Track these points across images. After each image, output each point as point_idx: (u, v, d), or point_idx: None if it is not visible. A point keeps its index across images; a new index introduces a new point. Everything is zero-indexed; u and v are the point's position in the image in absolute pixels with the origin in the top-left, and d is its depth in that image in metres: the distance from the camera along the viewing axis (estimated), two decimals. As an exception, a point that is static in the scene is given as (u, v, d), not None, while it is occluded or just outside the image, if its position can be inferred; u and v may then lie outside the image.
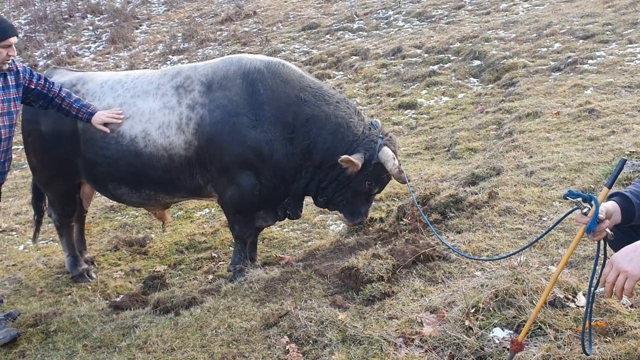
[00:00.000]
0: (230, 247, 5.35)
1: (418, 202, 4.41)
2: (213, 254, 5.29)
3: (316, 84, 4.35)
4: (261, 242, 5.27)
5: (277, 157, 4.20)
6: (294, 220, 5.35)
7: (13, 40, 3.70)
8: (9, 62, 3.79)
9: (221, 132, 4.14)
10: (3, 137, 3.88)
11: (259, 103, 4.14)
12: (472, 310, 2.94)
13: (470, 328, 2.84)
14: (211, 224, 6.00)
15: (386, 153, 4.09)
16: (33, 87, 4.02)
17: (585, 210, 2.16)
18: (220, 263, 5.10)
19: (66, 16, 22.02)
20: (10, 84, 3.88)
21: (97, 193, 5.10)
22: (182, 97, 4.21)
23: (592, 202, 2.16)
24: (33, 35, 20.41)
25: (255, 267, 4.43)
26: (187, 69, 4.38)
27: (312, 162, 4.27)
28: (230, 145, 4.14)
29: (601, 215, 2.15)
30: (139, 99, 4.24)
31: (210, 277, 4.83)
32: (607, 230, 2.18)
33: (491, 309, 2.94)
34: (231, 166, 4.21)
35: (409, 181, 4.13)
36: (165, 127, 4.15)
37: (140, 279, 4.93)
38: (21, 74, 3.97)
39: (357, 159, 4.01)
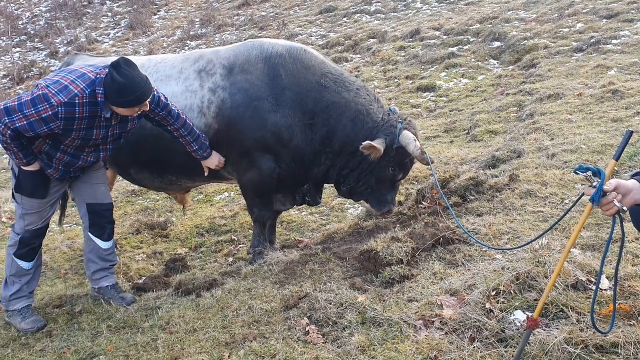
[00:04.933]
0: (250, 231, 5.38)
1: (436, 186, 4.39)
2: (233, 237, 5.33)
3: (337, 71, 4.33)
4: (280, 226, 5.29)
5: (296, 142, 4.20)
6: (313, 205, 5.37)
7: (148, 101, 3.60)
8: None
9: (242, 115, 4.14)
10: (102, 158, 3.91)
11: (280, 88, 4.14)
12: (493, 293, 2.93)
13: (491, 311, 2.83)
14: (231, 207, 6.04)
15: (407, 136, 4.07)
16: (153, 116, 3.86)
17: (595, 184, 2.18)
18: (240, 246, 5.15)
19: (85, 3, 22.14)
20: (129, 117, 3.73)
21: (119, 178, 5.15)
22: (205, 80, 4.23)
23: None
24: (54, 22, 20.59)
25: (274, 250, 4.47)
26: (209, 53, 4.38)
27: (332, 149, 4.26)
28: (251, 128, 4.15)
29: (606, 187, 2.16)
30: (162, 83, 4.26)
31: (231, 259, 4.88)
32: (616, 202, 2.16)
33: (512, 292, 2.93)
34: (251, 150, 4.22)
35: (432, 163, 4.10)
36: (187, 110, 4.17)
37: (162, 262, 5.00)
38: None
39: (379, 144, 3.99)
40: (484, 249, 3.54)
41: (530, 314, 2.72)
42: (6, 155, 10.54)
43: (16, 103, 3.44)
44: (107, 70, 3.50)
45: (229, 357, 3.05)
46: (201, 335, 3.32)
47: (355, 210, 5.38)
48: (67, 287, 4.60)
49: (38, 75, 16.90)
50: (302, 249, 4.57)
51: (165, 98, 3.84)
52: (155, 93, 3.75)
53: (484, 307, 2.86)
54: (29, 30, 20.63)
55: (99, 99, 3.49)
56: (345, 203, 5.56)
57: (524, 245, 3.15)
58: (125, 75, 3.41)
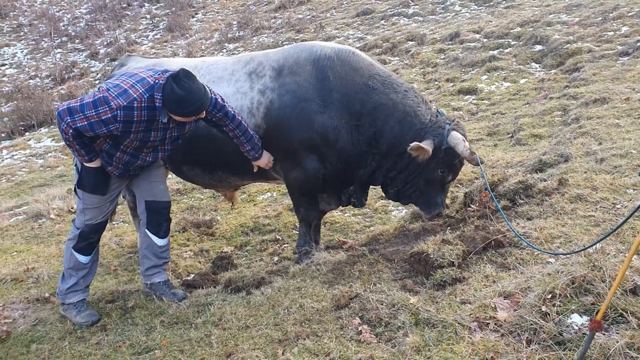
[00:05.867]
0: (293, 230, 5.44)
1: (486, 189, 4.38)
2: (277, 237, 5.39)
3: (385, 73, 4.36)
4: (323, 227, 5.33)
5: (342, 143, 4.24)
6: (356, 206, 5.39)
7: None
8: None
9: (289, 116, 4.20)
10: (160, 157, 4.02)
11: (327, 90, 4.18)
12: (549, 297, 2.92)
13: (547, 314, 2.82)
14: (274, 207, 6.11)
15: (455, 136, 4.07)
16: (210, 117, 3.91)
17: None
18: (284, 245, 5.20)
19: (124, 5, 22.63)
20: (186, 121, 3.79)
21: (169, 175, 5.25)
22: (254, 82, 4.30)
23: None
24: (93, 24, 21.07)
25: (319, 250, 4.51)
26: (259, 55, 4.47)
27: (379, 150, 4.28)
28: (298, 129, 4.21)
29: None
30: (214, 84, 4.35)
31: (276, 258, 4.93)
32: None
33: (568, 295, 2.91)
34: (297, 149, 4.27)
35: (481, 163, 4.09)
36: (238, 111, 4.24)
37: (209, 259, 5.08)
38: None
39: (427, 145, 4.00)
40: (535, 253, 3.53)
41: (589, 317, 2.70)
42: (51, 154, 10.85)
43: (78, 104, 3.57)
44: (165, 75, 3.60)
45: (283, 353, 3.10)
46: (254, 332, 3.37)
47: (398, 212, 5.39)
48: (118, 283, 4.72)
49: (79, 75, 17.34)
50: (346, 249, 4.60)
51: (222, 99, 3.91)
52: (212, 95, 3.81)
53: (540, 309, 2.85)
54: (69, 31, 21.18)
55: (157, 104, 3.59)
56: (388, 205, 5.58)
57: (580, 250, 3.13)
58: (184, 87, 3.50)
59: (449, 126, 4.19)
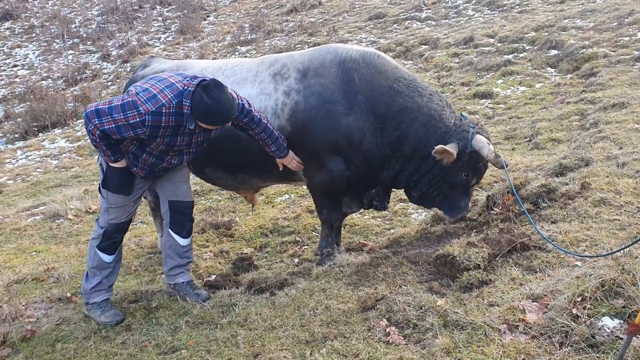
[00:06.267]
0: (313, 232, 5.46)
1: (509, 192, 4.38)
2: (297, 238, 5.40)
3: (410, 76, 4.38)
4: (343, 229, 5.32)
5: (366, 145, 4.25)
6: (375, 208, 5.39)
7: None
8: None
9: (315, 118, 4.22)
10: (185, 160, 4.05)
11: (353, 92, 4.20)
12: (579, 299, 2.92)
13: (578, 316, 2.82)
14: (292, 209, 6.12)
15: (480, 139, 4.08)
16: (236, 122, 3.93)
17: None
18: (304, 247, 5.21)
19: (136, 7, 22.76)
20: (213, 129, 3.82)
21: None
22: (279, 83, 4.32)
23: None
24: (105, 25, 21.19)
25: (341, 251, 4.52)
26: (284, 57, 4.49)
27: (402, 153, 4.29)
28: (323, 131, 4.22)
29: None
30: (238, 85, 4.37)
31: (296, 260, 4.94)
32: None
33: (598, 298, 2.91)
34: (322, 151, 4.28)
35: (506, 166, 4.10)
36: (261, 112, 4.27)
37: (229, 260, 5.09)
38: None
39: (451, 148, 4.01)
40: (562, 255, 3.53)
41: (621, 321, 2.71)
42: (66, 154, 10.91)
43: (106, 106, 3.59)
44: (194, 82, 3.63)
45: (311, 354, 3.11)
46: (280, 333, 3.39)
47: (418, 215, 5.39)
48: (141, 283, 4.74)
49: (91, 77, 17.42)
50: (367, 252, 4.61)
51: (249, 104, 3.93)
52: (239, 101, 3.83)
53: (570, 312, 2.85)
54: (81, 33, 21.30)
55: (185, 111, 3.61)
56: (408, 207, 5.58)
57: (609, 254, 3.13)
58: (213, 98, 3.52)
59: (473, 130, 4.20)
